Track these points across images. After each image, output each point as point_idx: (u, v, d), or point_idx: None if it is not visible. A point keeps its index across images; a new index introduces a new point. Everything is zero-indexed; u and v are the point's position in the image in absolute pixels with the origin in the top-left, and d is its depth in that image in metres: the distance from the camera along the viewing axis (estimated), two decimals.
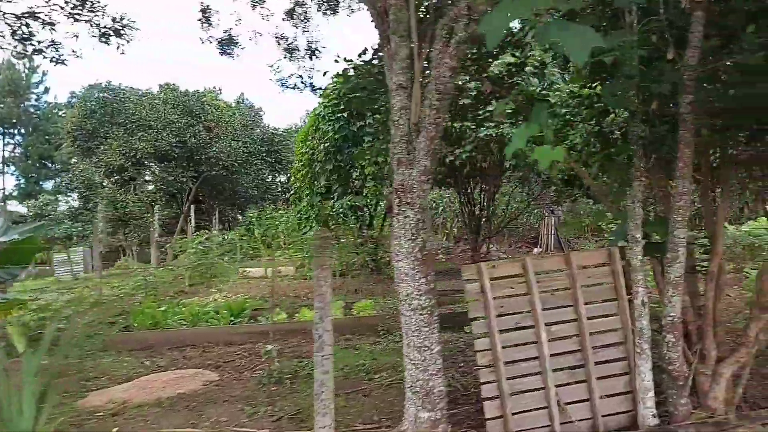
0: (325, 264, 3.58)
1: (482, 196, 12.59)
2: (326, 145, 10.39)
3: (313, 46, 6.29)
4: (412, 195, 3.37)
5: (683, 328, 4.04)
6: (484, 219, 13.03)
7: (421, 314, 3.42)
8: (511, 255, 15.67)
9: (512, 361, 3.68)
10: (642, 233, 3.84)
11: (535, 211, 18.58)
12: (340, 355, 5.53)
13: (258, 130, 21.08)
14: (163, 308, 7.16)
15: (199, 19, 6.29)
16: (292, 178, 12.74)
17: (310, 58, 6.39)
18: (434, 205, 22.07)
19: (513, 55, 5.73)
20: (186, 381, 4.75)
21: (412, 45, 3.52)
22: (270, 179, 22.19)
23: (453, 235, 21.77)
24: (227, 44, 6.36)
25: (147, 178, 22.83)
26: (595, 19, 4.36)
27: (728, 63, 3.45)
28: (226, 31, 6.51)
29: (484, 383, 3.63)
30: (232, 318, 7.15)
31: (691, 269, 4.16)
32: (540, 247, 18.41)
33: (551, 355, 3.73)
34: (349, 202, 10.48)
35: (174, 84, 21.36)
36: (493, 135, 9.49)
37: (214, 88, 24.78)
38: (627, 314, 3.86)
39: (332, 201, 10.71)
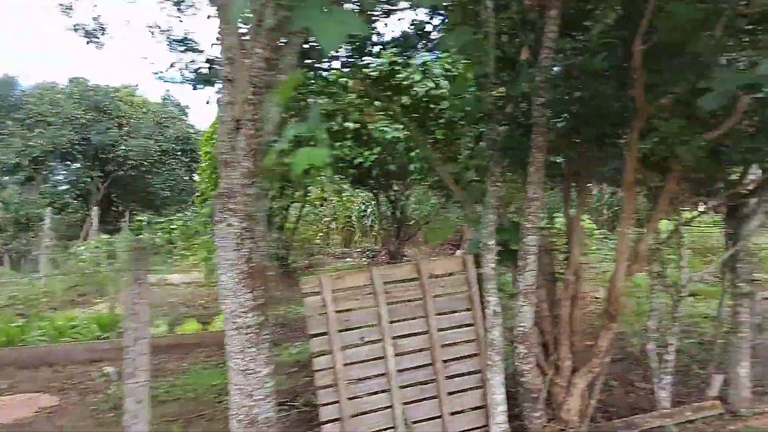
0: (141, 279, 3.18)
1: (397, 198, 12.46)
2: None
3: (190, 36, 5.82)
4: (235, 201, 3.03)
5: (541, 338, 3.95)
6: (399, 222, 12.92)
7: (246, 333, 3.07)
8: (429, 258, 15.63)
9: (355, 379, 3.42)
10: (496, 240, 3.70)
11: (464, 213, 18.67)
12: (206, 373, 5.12)
13: (173, 129, 19.98)
14: (17, 323, 6.44)
15: (60, 5, 5.68)
16: (199, 179, 12.12)
17: (188, 50, 5.92)
18: (363, 207, 21.83)
19: (395, 54, 5.51)
20: (12, 409, 4.19)
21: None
22: (186, 180, 21.01)
23: (380, 238, 21.59)
24: (91, 33, 5.78)
25: (60, 177, 21.27)
26: (457, 16, 4.21)
27: (568, 64, 3.34)
28: (95, 18, 5.93)
29: (323, 405, 3.34)
30: (99, 333, 6.54)
31: (550, 277, 4.07)
32: (463, 249, 18.54)
33: (399, 371, 3.50)
34: None
35: (83, 78, 19.91)
36: (400, 137, 9.32)
37: (132, 84, 23.38)
38: (482, 325, 3.71)
39: None
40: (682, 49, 2.91)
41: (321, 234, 17.36)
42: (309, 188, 11.45)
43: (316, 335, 3.36)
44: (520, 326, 3.59)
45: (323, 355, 3.35)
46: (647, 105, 3.23)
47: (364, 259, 17.56)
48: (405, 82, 5.83)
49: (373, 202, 20.91)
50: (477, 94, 3.83)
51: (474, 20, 4.05)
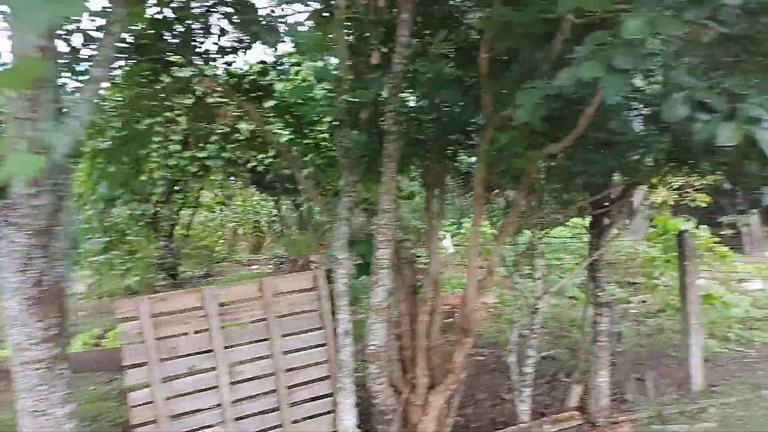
0: None
1: (301, 203, 12.10)
2: (109, 143, 9.05)
3: None
4: (18, 213, 2.57)
5: (401, 355, 3.77)
6: (304, 228, 12.56)
7: (36, 369, 2.62)
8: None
9: (182, 413, 3.04)
10: (349, 253, 3.47)
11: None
12: None
13: None
14: None
15: None
16: (77, 181, 11.10)
17: None
18: (275, 212, 21.13)
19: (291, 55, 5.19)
20: None
21: None
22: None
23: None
24: None
25: None
26: (317, 17, 3.96)
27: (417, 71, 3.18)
28: None
29: None
30: None
31: (412, 290, 3.91)
32: None
33: (236, 401, 3.17)
34: (137, 210, 9.28)
35: None
36: (295, 140, 8.97)
37: None
38: (334, 345, 3.46)
39: (117, 208, 9.43)
40: (520, 59, 2.81)
41: (225, 240, 16.53)
42: (201, 192, 10.82)
43: (132, 366, 2.95)
44: (372, 345, 3.37)
45: (141, 388, 2.95)
46: (494, 115, 3.13)
47: (270, 266, 16.95)
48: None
49: (283, 207, 20.32)
50: (331, 97, 3.59)
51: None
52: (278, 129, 9.12)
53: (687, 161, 3.46)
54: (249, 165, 9.41)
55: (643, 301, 8.52)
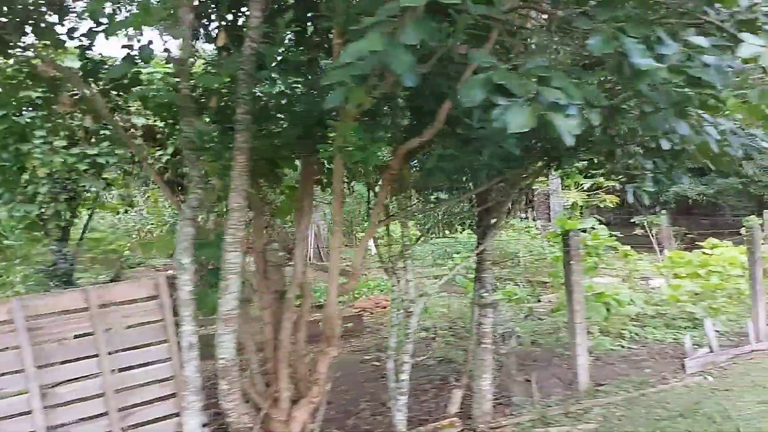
0: None
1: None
2: None
3: None
4: None
5: (263, 367, 3.48)
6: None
7: None
8: None
9: None
10: (192, 257, 3.14)
11: None
12: None
13: None
14: None
15: None
16: None
17: None
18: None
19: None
20: None
21: None
22: None
23: None
24: None
25: None
26: None
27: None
28: None
29: None
30: None
31: (279, 296, 3.62)
32: None
33: (54, 427, 2.76)
34: (18, 211, 8.46)
35: None
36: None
37: None
38: (179, 360, 3.11)
39: None
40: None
41: (138, 244, 15.56)
42: (100, 192, 10.04)
43: None
44: (221, 358, 3.05)
45: None
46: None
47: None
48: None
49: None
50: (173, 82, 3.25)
51: None
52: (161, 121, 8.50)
53: (554, 158, 3.38)
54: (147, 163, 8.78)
55: (550, 301, 8.65)
